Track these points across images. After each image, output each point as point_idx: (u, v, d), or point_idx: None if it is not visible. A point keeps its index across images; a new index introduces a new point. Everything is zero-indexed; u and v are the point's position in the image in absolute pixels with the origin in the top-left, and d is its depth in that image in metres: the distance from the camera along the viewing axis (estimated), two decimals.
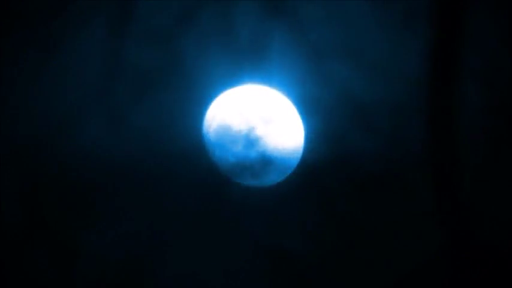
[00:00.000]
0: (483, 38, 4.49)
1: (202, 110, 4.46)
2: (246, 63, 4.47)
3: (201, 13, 4.50)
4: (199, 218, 4.49)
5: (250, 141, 4.36)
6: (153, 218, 4.49)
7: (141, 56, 4.51)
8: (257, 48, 4.47)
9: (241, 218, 4.49)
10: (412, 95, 4.52)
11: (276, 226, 4.52)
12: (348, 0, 4.50)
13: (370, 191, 4.51)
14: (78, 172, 4.49)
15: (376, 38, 4.50)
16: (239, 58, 4.48)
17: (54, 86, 4.53)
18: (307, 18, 4.50)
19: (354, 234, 4.51)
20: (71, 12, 4.51)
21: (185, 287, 4.50)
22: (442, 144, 4.50)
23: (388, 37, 4.50)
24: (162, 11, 4.52)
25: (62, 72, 4.53)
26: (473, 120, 4.50)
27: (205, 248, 4.50)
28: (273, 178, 4.44)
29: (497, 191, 4.48)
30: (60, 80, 4.53)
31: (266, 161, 4.39)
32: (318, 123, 4.50)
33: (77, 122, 4.51)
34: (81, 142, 4.51)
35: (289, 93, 4.46)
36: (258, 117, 4.38)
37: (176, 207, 4.49)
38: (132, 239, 4.49)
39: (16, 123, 4.51)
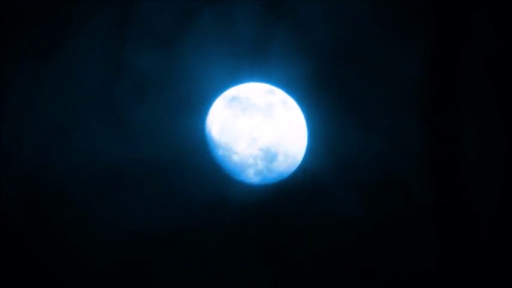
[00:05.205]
0: (483, 38, 4.52)
1: (204, 109, 4.46)
2: (247, 62, 4.48)
3: (201, 13, 4.51)
4: (202, 217, 4.48)
5: (253, 139, 4.36)
6: (154, 217, 4.47)
7: (141, 56, 4.51)
8: (258, 48, 4.48)
9: (244, 217, 4.48)
10: (413, 95, 4.53)
11: (277, 225, 4.51)
12: (348, 0, 4.52)
13: (370, 190, 4.51)
14: (78, 173, 4.46)
15: (377, 38, 4.52)
16: (240, 57, 4.48)
17: (54, 87, 4.51)
18: (307, 17, 4.51)
19: (354, 234, 4.51)
20: (71, 12, 4.50)
21: (185, 287, 4.48)
22: (442, 144, 4.52)
23: (388, 37, 4.52)
24: (162, 11, 4.52)
25: (62, 72, 4.51)
26: (473, 120, 4.52)
27: (206, 247, 4.48)
28: (275, 176, 4.43)
29: (497, 191, 4.49)
30: (60, 80, 4.51)
31: (269, 159, 4.38)
32: (319, 122, 4.51)
33: (77, 123, 4.49)
34: (82, 143, 4.49)
35: (291, 92, 4.47)
36: (260, 115, 4.38)
37: (178, 206, 4.47)
38: (133, 239, 4.46)
39: (16, 123, 4.48)
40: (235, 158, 4.38)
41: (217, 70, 4.48)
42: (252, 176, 4.41)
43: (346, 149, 4.52)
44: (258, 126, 4.37)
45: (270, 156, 4.39)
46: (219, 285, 4.49)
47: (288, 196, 4.50)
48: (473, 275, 4.46)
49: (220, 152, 4.39)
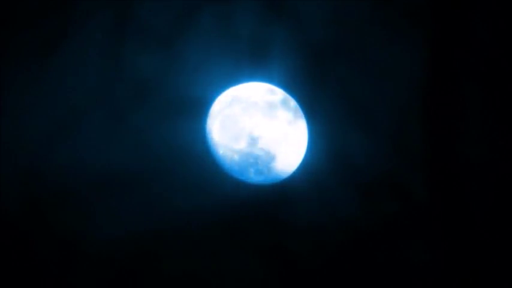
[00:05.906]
0: (483, 38, 4.52)
1: (204, 109, 4.46)
2: (247, 62, 4.48)
3: (201, 13, 4.51)
4: (202, 217, 4.47)
5: (253, 138, 4.36)
6: (154, 217, 4.46)
7: (141, 56, 4.51)
8: (258, 48, 4.48)
9: (244, 217, 4.48)
10: (412, 95, 4.54)
11: (277, 225, 4.51)
12: (348, 0, 4.52)
13: (370, 190, 4.51)
14: (78, 172, 4.46)
15: (377, 38, 4.53)
16: (240, 57, 4.48)
17: (54, 87, 4.51)
18: (307, 17, 4.51)
19: (354, 234, 4.51)
20: (71, 12, 4.50)
21: (185, 287, 4.48)
22: (442, 144, 4.52)
23: (388, 37, 4.52)
24: (162, 11, 4.52)
25: (62, 72, 4.51)
26: (473, 120, 4.53)
27: (206, 247, 4.48)
28: (275, 176, 4.43)
29: (497, 190, 4.50)
30: (60, 80, 4.51)
31: (269, 159, 4.38)
32: (319, 122, 4.51)
33: (77, 123, 4.49)
34: (82, 142, 4.48)
35: (291, 92, 4.48)
36: (261, 115, 4.39)
37: (179, 206, 4.47)
38: (133, 239, 4.46)
39: (16, 123, 4.48)
40: (235, 158, 4.38)
41: (217, 70, 4.48)
42: (252, 176, 4.41)
43: (346, 149, 4.52)
44: (258, 126, 4.37)
45: (270, 156, 4.39)
46: (218, 285, 4.48)
47: (288, 196, 4.50)
48: (472, 275, 4.46)
49: (220, 152, 4.39)
